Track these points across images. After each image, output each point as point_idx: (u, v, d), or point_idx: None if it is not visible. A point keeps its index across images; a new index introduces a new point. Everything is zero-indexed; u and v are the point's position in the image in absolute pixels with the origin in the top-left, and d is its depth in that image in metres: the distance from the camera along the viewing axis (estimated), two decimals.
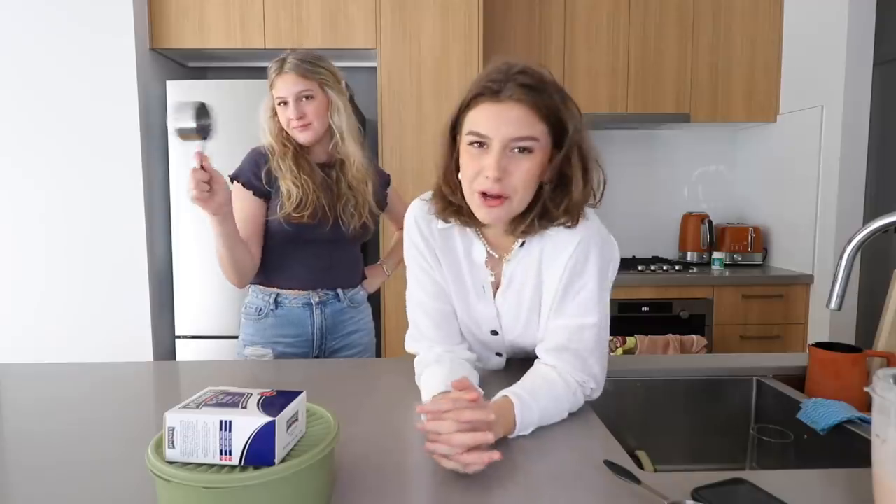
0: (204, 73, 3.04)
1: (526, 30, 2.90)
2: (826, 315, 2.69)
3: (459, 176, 0.97)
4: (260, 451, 0.62)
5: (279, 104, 1.48)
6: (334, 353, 1.60)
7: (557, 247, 1.00)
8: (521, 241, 1.02)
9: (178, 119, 1.27)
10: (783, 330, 2.81)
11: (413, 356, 1.14)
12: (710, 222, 3.13)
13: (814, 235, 2.75)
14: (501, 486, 0.76)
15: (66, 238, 2.48)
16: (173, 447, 0.64)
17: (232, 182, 1.50)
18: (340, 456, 0.82)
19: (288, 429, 0.66)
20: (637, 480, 0.74)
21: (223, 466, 0.63)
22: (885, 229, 0.94)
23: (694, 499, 0.71)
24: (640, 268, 2.88)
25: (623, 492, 0.74)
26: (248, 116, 2.43)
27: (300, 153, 1.50)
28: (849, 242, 0.96)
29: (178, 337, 2.56)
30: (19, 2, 2.38)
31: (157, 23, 2.53)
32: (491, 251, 1.06)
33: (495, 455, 0.76)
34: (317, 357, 1.58)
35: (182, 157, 2.50)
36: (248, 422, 0.62)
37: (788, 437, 0.99)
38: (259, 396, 0.69)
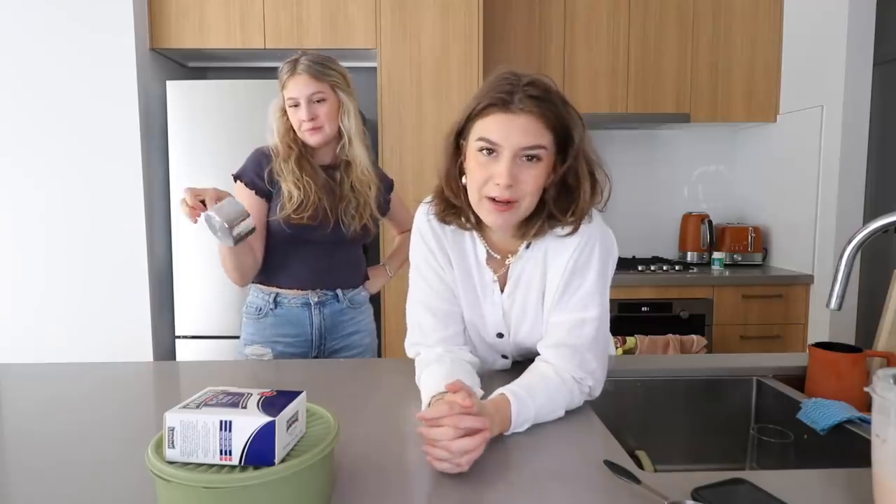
0: (204, 73, 3.04)
1: (526, 30, 2.89)
2: (826, 315, 2.69)
3: (463, 181, 1.00)
4: (260, 451, 0.62)
5: (290, 105, 1.47)
6: (334, 353, 1.60)
7: (562, 245, 1.03)
8: (526, 242, 1.04)
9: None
10: (783, 330, 2.81)
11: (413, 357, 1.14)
12: (710, 222, 3.13)
13: (814, 235, 2.75)
14: (501, 486, 0.77)
15: (66, 238, 2.48)
16: (173, 447, 0.64)
17: (235, 181, 1.51)
18: (340, 456, 0.82)
19: (288, 429, 0.66)
20: (637, 480, 0.74)
21: (223, 466, 0.63)
22: (885, 229, 0.94)
23: (694, 499, 0.71)
24: (640, 268, 2.88)
25: (623, 492, 0.74)
26: (248, 116, 2.44)
27: (304, 155, 1.50)
28: (849, 242, 0.96)
29: (178, 337, 2.56)
30: (19, 2, 2.38)
31: (157, 23, 2.53)
32: (493, 252, 1.08)
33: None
34: (316, 357, 1.58)
35: (182, 157, 2.50)
36: (248, 422, 0.63)
37: (788, 437, 0.99)
38: (259, 396, 0.69)
